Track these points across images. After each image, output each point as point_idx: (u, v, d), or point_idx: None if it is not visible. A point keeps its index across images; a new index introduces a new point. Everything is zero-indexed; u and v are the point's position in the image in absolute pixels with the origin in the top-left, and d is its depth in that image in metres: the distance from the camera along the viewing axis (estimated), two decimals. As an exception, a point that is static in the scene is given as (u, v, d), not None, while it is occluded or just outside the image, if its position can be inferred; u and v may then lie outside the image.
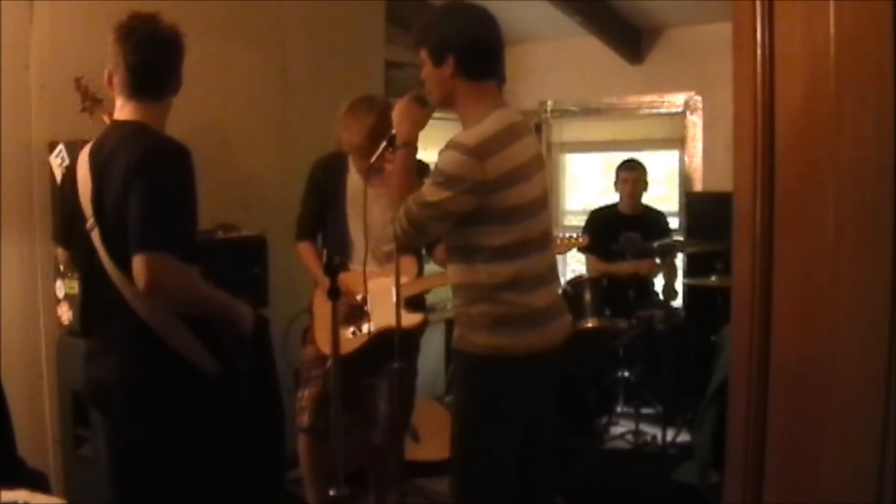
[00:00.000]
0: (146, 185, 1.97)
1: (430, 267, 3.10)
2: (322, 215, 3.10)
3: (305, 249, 3.13)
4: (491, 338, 2.19)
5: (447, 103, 2.26)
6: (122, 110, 2.14)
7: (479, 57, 2.21)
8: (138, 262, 1.94)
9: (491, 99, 2.23)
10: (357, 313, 2.99)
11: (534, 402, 2.31)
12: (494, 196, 2.13)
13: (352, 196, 3.01)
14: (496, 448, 2.25)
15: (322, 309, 2.98)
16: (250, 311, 2.28)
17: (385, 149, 2.38)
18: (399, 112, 2.29)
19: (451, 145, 2.14)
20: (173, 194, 2.02)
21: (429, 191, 2.14)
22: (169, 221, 2.00)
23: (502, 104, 2.26)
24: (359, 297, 2.95)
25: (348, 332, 2.97)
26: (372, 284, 2.83)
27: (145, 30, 2.09)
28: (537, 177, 2.25)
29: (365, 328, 2.98)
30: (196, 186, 2.08)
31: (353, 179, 3.03)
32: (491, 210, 2.14)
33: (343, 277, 2.74)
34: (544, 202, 2.31)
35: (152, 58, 2.10)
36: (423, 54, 2.24)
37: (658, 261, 4.59)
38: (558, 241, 3.95)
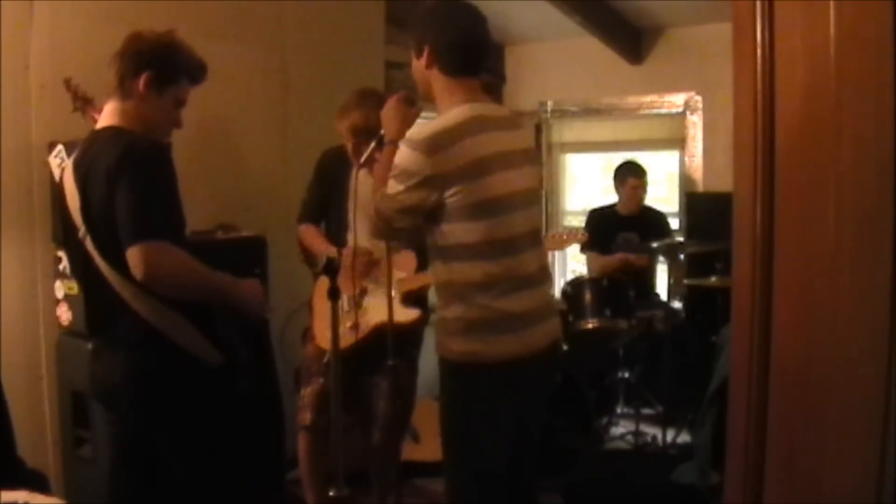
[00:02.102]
0: (128, 181, 2.00)
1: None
2: (326, 204, 3.12)
3: (308, 230, 3.14)
4: (466, 344, 2.15)
5: (428, 97, 2.24)
6: (103, 117, 2.20)
7: (454, 50, 2.17)
8: (133, 254, 1.96)
9: (465, 94, 2.18)
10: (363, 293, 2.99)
11: (519, 407, 2.25)
12: (453, 191, 2.07)
13: (353, 188, 3.02)
14: (481, 454, 2.22)
15: (321, 304, 2.98)
16: (257, 284, 2.29)
17: (375, 148, 2.39)
18: (387, 111, 2.29)
19: (404, 140, 2.14)
20: (156, 187, 2.05)
21: (389, 184, 2.14)
22: (156, 211, 2.02)
23: (478, 100, 2.20)
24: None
25: (346, 327, 2.97)
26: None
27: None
28: (511, 172, 2.16)
29: (362, 324, 2.97)
30: (177, 179, 2.10)
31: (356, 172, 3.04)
32: (453, 206, 2.09)
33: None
34: (525, 199, 2.21)
35: (119, 58, 2.16)
36: (411, 49, 2.24)
37: (661, 257, 4.61)
38: (559, 237, 3.96)
